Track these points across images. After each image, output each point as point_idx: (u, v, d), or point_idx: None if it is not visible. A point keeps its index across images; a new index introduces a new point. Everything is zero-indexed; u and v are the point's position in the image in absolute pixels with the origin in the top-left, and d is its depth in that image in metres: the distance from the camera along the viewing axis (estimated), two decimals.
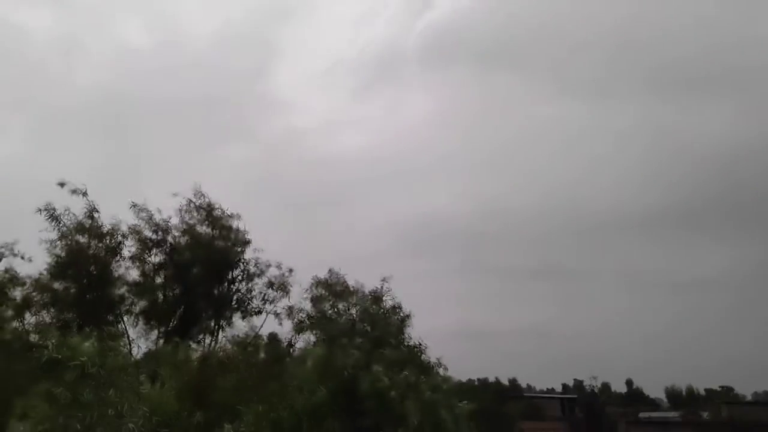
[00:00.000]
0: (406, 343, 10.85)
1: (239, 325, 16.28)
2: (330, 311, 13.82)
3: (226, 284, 16.67)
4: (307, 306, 14.85)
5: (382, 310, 13.65)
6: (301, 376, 9.52)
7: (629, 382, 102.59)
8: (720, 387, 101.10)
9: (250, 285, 16.76)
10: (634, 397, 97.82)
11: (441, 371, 11.04)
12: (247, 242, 16.58)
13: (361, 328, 12.33)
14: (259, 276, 16.61)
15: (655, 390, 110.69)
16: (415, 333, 12.44)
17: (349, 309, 14.28)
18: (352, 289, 14.56)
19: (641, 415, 75.01)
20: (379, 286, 14.51)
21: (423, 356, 10.75)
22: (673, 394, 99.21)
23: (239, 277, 16.75)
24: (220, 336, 16.44)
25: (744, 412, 68.08)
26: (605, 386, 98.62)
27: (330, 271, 15.40)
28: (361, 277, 15.12)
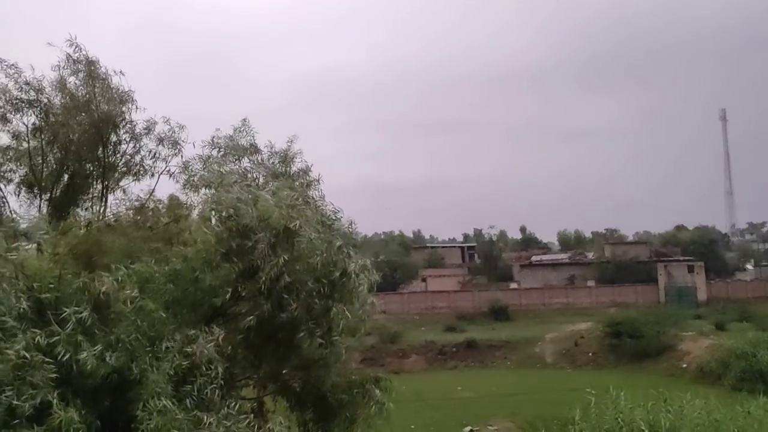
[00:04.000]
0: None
1: (131, 189, 15.34)
2: (229, 168, 13.07)
3: (111, 146, 15.49)
4: (199, 166, 13.89)
5: (289, 172, 13.08)
6: (194, 226, 9.13)
7: (523, 229, 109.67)
8: (605, 230, 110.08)
9: (138, 145, 15.62)
10: (529, 242, 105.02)
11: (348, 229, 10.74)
12: (132, 100, 15.20)
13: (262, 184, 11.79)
14: (147, 134, 15.43)
15: (548, 235, 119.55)
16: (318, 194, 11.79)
17: (252, 170, 13.58)
18: (257, 147, 13.74)
19: (533, 258, 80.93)
20: (287, 146, 13.80)
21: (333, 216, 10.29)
22: (564, 239, 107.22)
23: (125, 138, 15.56)
24: (110, 201, 15.54)
25: (624, 251, 74.90)
26: (502, 234, 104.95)
27: (245, 121, 14.34)
28: (260, 134, 14.36)
